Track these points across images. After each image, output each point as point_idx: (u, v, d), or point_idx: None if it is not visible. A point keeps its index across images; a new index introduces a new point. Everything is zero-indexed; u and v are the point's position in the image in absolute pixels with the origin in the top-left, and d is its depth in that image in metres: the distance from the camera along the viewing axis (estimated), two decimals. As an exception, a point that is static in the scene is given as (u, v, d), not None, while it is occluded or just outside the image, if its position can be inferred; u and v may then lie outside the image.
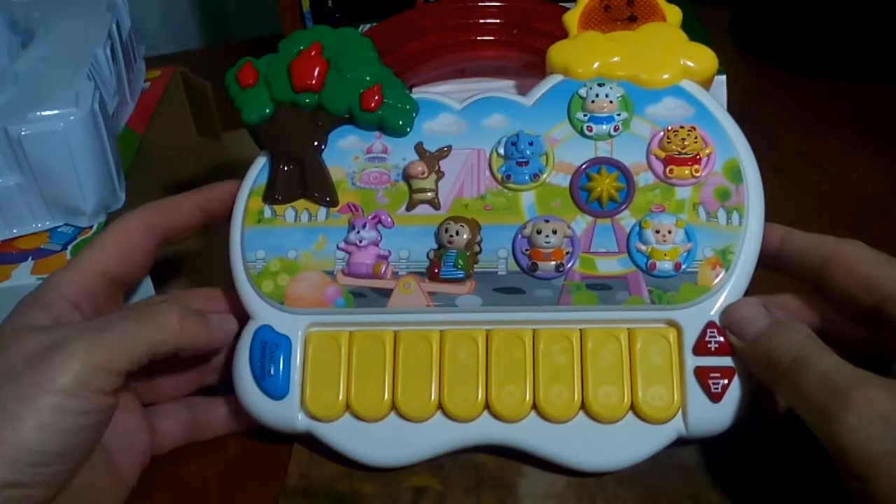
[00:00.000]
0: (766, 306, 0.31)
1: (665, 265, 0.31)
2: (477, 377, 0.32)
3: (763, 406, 0.31)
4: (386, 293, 0.33)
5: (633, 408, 0.31)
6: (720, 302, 0.31)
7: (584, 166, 0.33)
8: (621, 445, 0.31)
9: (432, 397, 0.32)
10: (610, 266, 0.32)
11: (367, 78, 0.35)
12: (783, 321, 0.29)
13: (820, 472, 0.29)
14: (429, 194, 0.34)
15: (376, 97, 0.35)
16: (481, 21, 0.38)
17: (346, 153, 0.35)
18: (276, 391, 0.32)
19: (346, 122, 0.35)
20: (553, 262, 0.32)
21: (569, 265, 0.32)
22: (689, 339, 0.31)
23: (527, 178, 0.33)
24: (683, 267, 0.31)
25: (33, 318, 0.29)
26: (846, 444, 0.25)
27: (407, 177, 0.34)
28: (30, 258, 0.37)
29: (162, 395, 0.34)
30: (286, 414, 0.32)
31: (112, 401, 0.28)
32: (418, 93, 0.37)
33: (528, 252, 0.32)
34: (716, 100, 0.34)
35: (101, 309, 0.31)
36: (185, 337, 0.30)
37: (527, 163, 0.33)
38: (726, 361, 0.30)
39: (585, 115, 0.34)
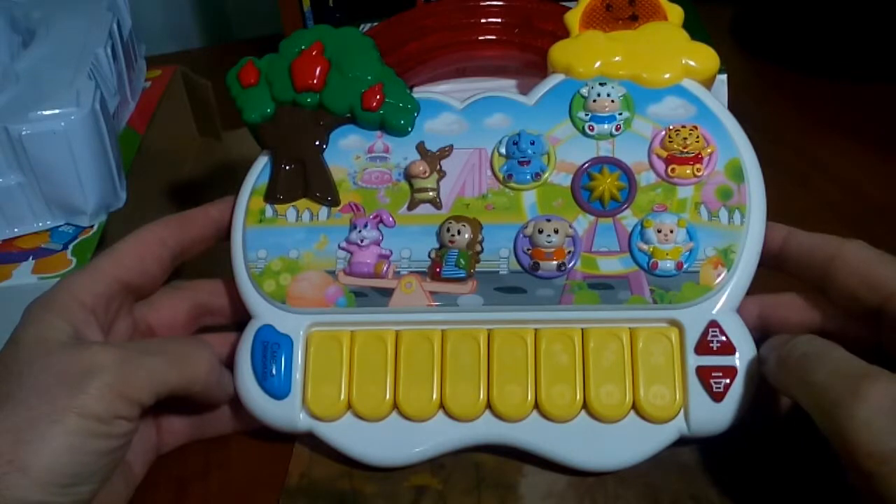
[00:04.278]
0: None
1: (667, 264, 0.31)
2: (478, 377, 0.32)
3: (765, 406, 0.31)
4: (387, 293, 0.33)
5: (634, 407, 0.31)
6: (722, 301, 0.31)
7: (585, 165, 0.33)
8: (623, 445, 0.31)
9: (434, 397, 0.32)
10: (612, 265, 0.32)
11: (369, 77, 0.35)
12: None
13: (821, 472, 0.29)
14: (430, 194, 0.34)
15: (378, 96, 0.35)
16: (482, 20, 0.38)
17: (348, 153, 0.35)
18: (278, 391, 0.32)
19: (347, 121, 0.35)
20: (555, 262, 0.32)
21: (570, 264, 0.32)
22: (691, 339, 0.31)
23: (528, 177, 0.33)
24: (685, 266, 0.31)
25: (53, 329, 0.28)
26: (857, 440, 0.24)
27: (408, 176, 0.34)
28: (31, 257, 0.37)
29: None
30: (287, 413, 0.32)
31: (135, 425, 0.28)
32: (419, 92, 0.37)
33: (529, 251, 0.32)
34: (717, 99, 0.34)
35: (114, 316, 0.31)
36: (205, 389, 0.31)
37: (528, 162, 0.33)
38: (728, 361, 0.30)
39: (587, 115, 0.34)
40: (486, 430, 0.32)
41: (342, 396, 0.32)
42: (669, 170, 0.33)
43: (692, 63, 0.34)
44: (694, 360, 0.31)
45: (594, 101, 0.34)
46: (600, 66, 0.34)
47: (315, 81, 0.35)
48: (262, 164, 0.36)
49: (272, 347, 0.32)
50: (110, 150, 0.39)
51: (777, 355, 0.28)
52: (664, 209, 0.32)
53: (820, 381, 0.26)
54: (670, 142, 0.33)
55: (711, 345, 0.31)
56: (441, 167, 0.34)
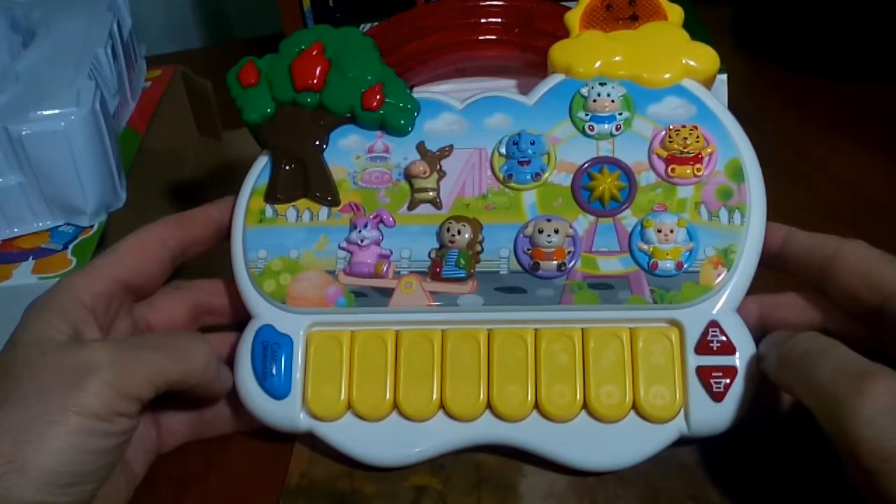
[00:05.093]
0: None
1: (667, 264, 0.31)
2: (479, 377, 0.32)
3: (765, 405, 0.31)
4: (387, 293, 0.33)
5: (634, 407, 0.31)
6: (722, 301, 0.31)
7: (585, 165, 0.33)
8: (623, 445, 0.31)
9: (434, 397, 0.32)
10: (612, 265, 0.32)
11: (369, 77, 0.35)
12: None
13: (821, 472, 0.29)
14: (430, 194, 0.34)
15: (378, 96, 0.35)
16: (483, 20, 0.38)
17: (348, 152, 0.35)
18: (278, 391, 0.32)
19: (347, 121, 0.35)
20: (555, 262, 0.32)
21: (570, 264, 0.32)
22: (691, 339, 0.31)
23: (528, 177, 0.33)
24: (685, 266, 0.31)
25: (53, 329, 0.28)
26: (859, 437, 0.24)
27: (408, 176, 0.34)
28: (31, 257, 0.37)
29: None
30: (288, 413, 0.32)
31: (135, 423, 0.28)
32: (420, 92, 0.37)
33: (529, 251, 0.32)
34: (717, 99, 0.34)
35: (114, 316, 0.31)
36: (204, 382, 0.31)
37: (528, 162, 0.33)
38: (728, 361, 0.30)
39: (587, 115, 0.34)
40: (487, 430, 0.32)
41: (342, 396, 0.32)
42: (669, 170, 0.33)
43: (692, 63, 0.34)
44: (694, 360, 0.31)
45: (594, 101, 0.34)
46: (600, 66, 0.34)
47: (315, 81, 0.35)
48: (262, 164, 0.36)
49: (272, 347, 0.32)
50: (110, 150, 0.39)
51: (778, 352, 0.28)
52: (664, 209, 0.32)
53: (822, 379, 0.26)
54: (670, 142, 0.33)
55: (711, 345, 0.31)
56: (441, 167, 0.34)
